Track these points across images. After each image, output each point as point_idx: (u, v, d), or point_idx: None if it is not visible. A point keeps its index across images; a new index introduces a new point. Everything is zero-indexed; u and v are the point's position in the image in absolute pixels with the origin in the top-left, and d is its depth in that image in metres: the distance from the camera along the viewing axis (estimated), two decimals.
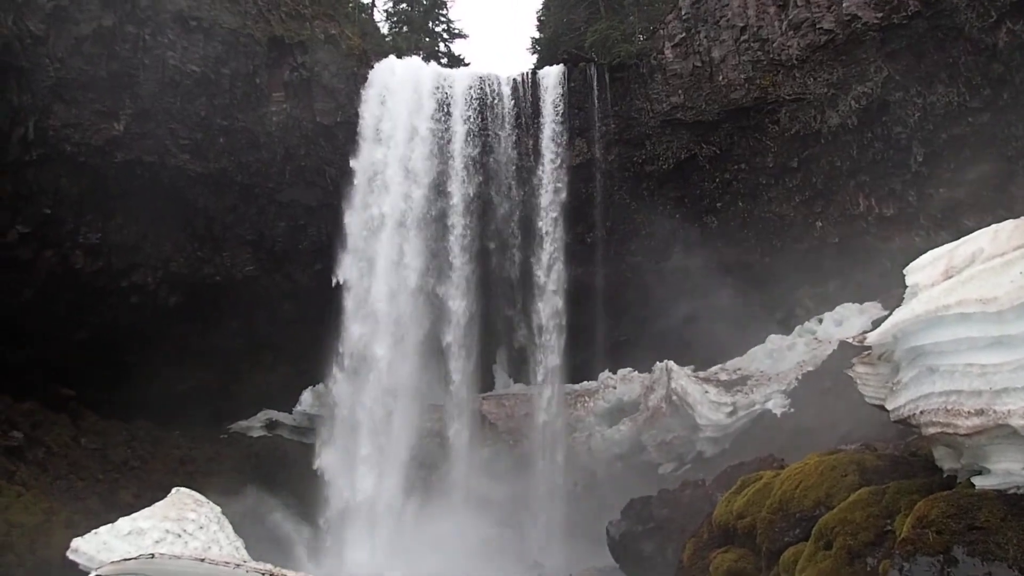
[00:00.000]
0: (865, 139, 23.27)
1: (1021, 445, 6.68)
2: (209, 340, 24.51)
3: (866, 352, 9.14)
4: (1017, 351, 6.75)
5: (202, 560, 5.72)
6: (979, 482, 7.20)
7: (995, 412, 6.70)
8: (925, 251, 8.71)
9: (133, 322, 23.71)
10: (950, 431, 7.06)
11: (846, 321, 23.35)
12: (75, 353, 22.97)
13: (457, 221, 24.54)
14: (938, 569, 6.53)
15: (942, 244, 8.55)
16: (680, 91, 25.25)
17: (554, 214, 25.29)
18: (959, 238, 8.24)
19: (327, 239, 24.69)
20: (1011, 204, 19.29)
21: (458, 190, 24.76)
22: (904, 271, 8.72)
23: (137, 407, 23.64)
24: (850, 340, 19.84)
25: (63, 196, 22.50)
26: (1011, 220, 7.78)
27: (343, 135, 24.51)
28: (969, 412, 6.90)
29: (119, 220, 23.57)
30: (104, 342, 23.20)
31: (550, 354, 24.44)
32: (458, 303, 23.99)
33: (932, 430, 7.32)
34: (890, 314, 8.35)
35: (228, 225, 24.95)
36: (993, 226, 7.88)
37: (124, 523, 9.45)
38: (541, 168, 25.64)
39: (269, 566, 5.84)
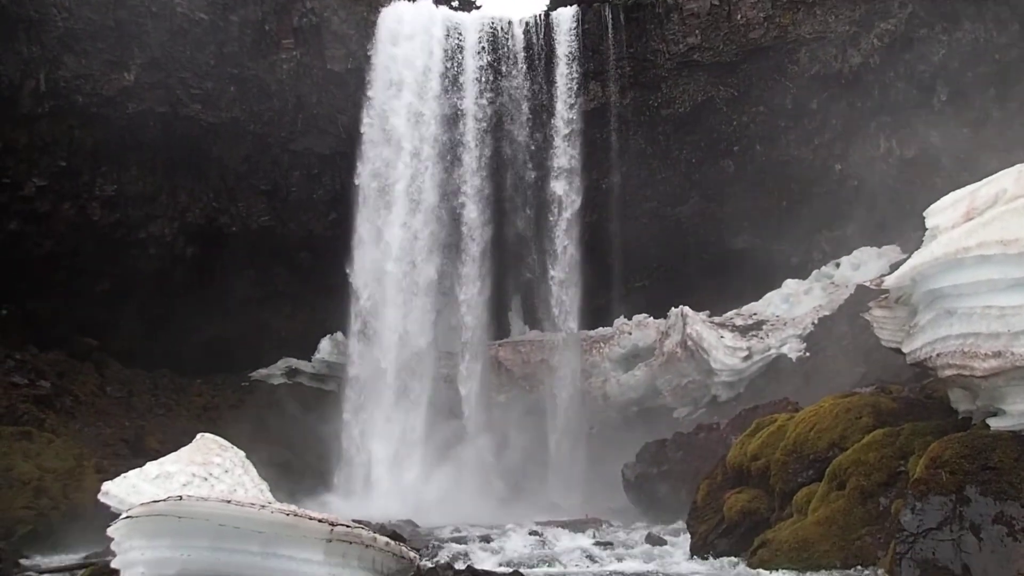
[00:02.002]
0: (887, 78, 22.69)
1: None
2: (228, 290, 24.74)
3: (883, 295, 9.09)
4: None
5: (228, 502, 5.90)
6: (994, 423, 7.23)
7: (1013, 354, 6.69)
8: (946, 193, 8.56)
9: (153, 273, 23.96)
10: (967, 373, 7.06)
11: (864, 265, 23.18)
12: (97, 304, 23.31)
13: (470, 168, 24.36)
14: (950, 508, 6.61)
15: (964, 186, 8.39)
16: (697, 31, 24.63)
17: (568, 159, 25.02)
18: (982, 179, 8.10)
19: (341, 188, 24.65)
20: None
21: (470, 137, 24.51)
22: (924, 213, 8.60)
23: (159, 357, 24.08)
24: (867, 284, 19.76)
25: (78, 148, 22.58)
26: None
27: (354, 82, 24.21)
28: (986, 354, 6.89)
29: (134, 172, 23.67)
30: (125, 293, 23.50)
31: (565, 300, 24.48)
32: (473, 251, 23.98)
33: (948, 372, 7.32)
34: (909, 257, 8.28)
35: (242, 175, 24.96)
36: (1017, 166, 7.73)
37: (152, 467, 9.71)
38: (555, 113, 25.28)
39: (293, 507, 6.01)
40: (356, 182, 23.71)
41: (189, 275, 24.66)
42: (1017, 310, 6.77)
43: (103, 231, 23.48)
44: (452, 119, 24.39)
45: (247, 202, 25.36)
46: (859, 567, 7.21)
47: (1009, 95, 20.69)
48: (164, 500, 5.99)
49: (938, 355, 7.41)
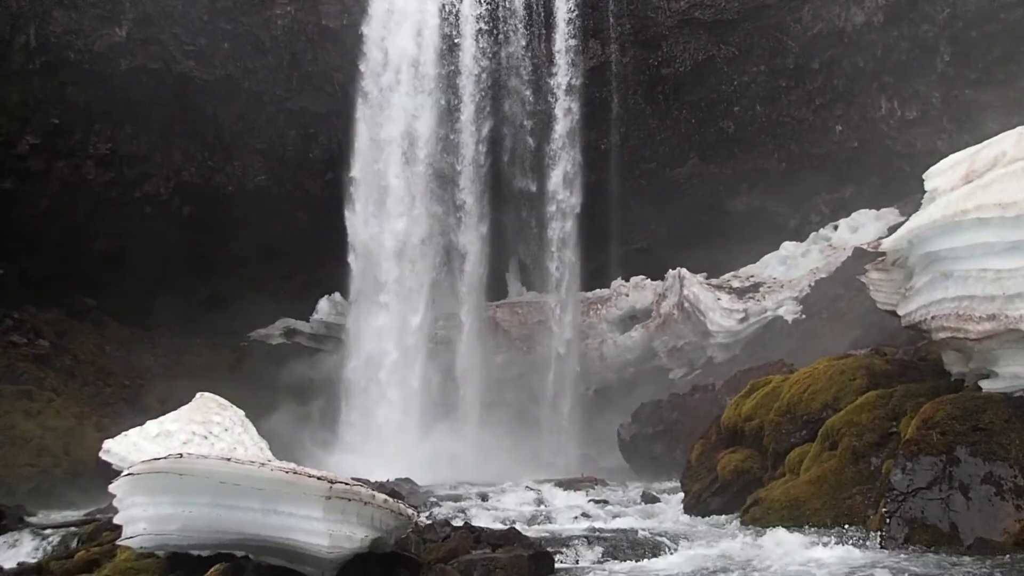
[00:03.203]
0: (891, 38, 22.37)
1: None
2: (225, 250, 24.71)
3: (880, 258, 9.10)
4: None
5: (228, 459, 5.97)
6: (986, 385, 7.30)
7: (1007, 317, 6.72)
8: (947, 155, 8.51)
9: (150, 233, 23.88)
10: (960, 336, 7.11)
11: (862, 228, 23.15)
12: (95, 264, 23.29)
13: (468, 127, 24.13)
14: (940, 468, 6.70)
15: (965, 148, 8.34)
16: None
17: (568, 120, 24.78)
18: (982, 142, 8.04)
19: (337, 148, 24.45)
20: None
21: (468, 96, 24.23)
22: (924, 176, 8.56)
23: (158, 317, 24.14)
24: (865, 246, 19.80)
25: (71, 106, 22.34)
26: None
27: (350, 39, 23.83)
28: (981, 317, 6.92)
29: (128, 130, 23.46)
30: (123, 253, 23.46)
31: (563, 262, 24.48)
32: (470, 209, 23.88)
33: (942, 335, 7.37)
34: (907, 220, 8.27)
35: (238, 134, 24.74)
36: (1018, 128, 7.67)
37: (152, 426, 9.81)
38: (554, 72, 24.95)
39: (293, 465, 6.09)
40: (353, 142, 23.51)
41: (186, 235, 24.58)
42: (1012, 273, 6.78)
43: (98, 190, 23.35)
44: (450, 78, 24.09)
45: (243, 161, 25.18)
46: (849, 525, 7.33)
47: (1013, 56, 20.44)
48: (165, 458, 6.07)
49: (933, 318, 7.44)
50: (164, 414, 10.97)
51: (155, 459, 6.15)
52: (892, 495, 6.71)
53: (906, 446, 7.01)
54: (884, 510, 6.71)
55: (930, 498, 6.55)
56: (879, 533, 6.60)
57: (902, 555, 5.97)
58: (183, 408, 10.40)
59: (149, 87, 22.63)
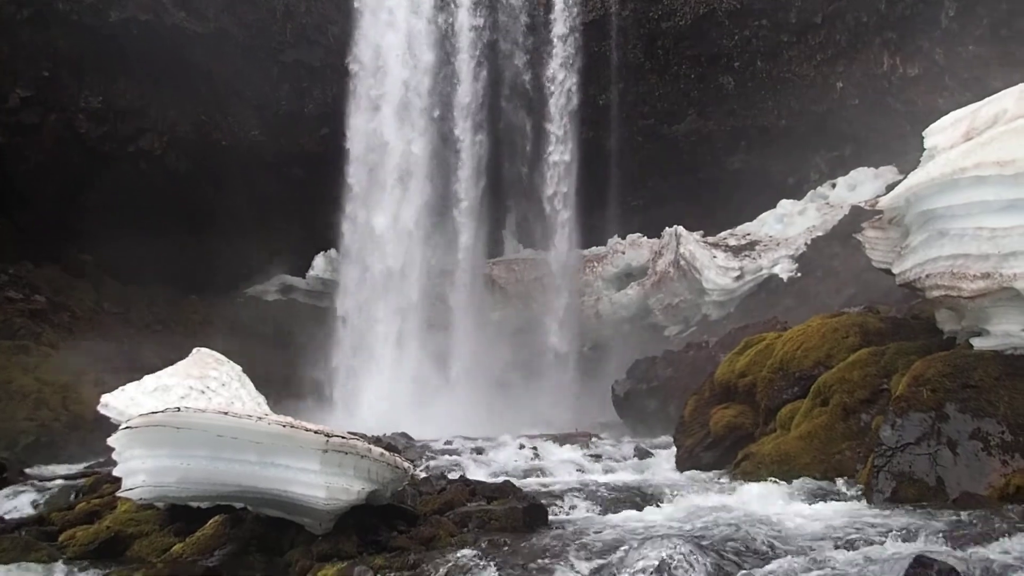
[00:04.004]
0: None
1: (1023, 307, 6.76)
2: (221, 206, 24.54)
3: (877, 216, 9.08)
4: None
5: (226, 413, 6.02)
6: (978, 343, 7.35)
7: (1001, 275, 6.73)
8: (947, 113, 8.43)
9: (145, 188, 23.71)
10: (954, 294, 7.13)
11: (860, 186, 23.05)
12: (91, 220, 23.14)
13: (465, 82, 23.82)
14: (929, 424, 6.79)
15: (966, 106, 8.25)
16: None
17: (566, 74, 24.45)
18: (984, 99, 7.95)
19: (333, 103, 24.16)
20: None
21: (465, 50, 23.87)
22: (923, 133, 8.49)
23: (155, 273, 24.09)
24: (862, 205, 19.74)
25: (62, 59, 22.00)
26: None
27: None
28: (975, 275, 6.93)
29: (121, 84, 23.13)
30: (118, 209, 23.32)
31: (560, 219, 24.42)
32: (468, 166, 23.72)
33: (936, 293, 7.39)
34: (905, 178, 8.22)
35: (232, 88, 24.40)
36: (1020, 86, 7.58)
37: (150, 380, 9.86)
38: (553, 24, 24.54)
39: (289, 419, 6.15)
40: (349, 96, 23.22)
41: (182, 191, 24.42)
42: (1008, 231, 6.77)
43: (91, 144, 23.11)
44: (446, 32, 23.69)
45: (237, 116, 24.90)
46: (838, 480, 7.46)
47: (1019, 12, 20.10)
48: (163, 411, 6.12)
49: (927, 276, 7.45)
50: (162, 369, 11.03)
51: (153, 413, 6.20)
52: (881, 450, 6.81)
53: (896, 402, 7.08)
54: (872, 465, 6.82)
55: (918, 453, 6.65)
56: (867, 487, 6.71)
57: (888, 508, 6.09)
58: (180, 363, 10.44)
59: (140, 40, 22.23)
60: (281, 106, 24.97)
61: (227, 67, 23.91)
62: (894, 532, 5.02)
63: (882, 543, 4.71)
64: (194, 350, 10.93)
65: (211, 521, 6.64)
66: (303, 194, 25.15)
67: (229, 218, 24.43)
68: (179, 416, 5.92)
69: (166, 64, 22.94)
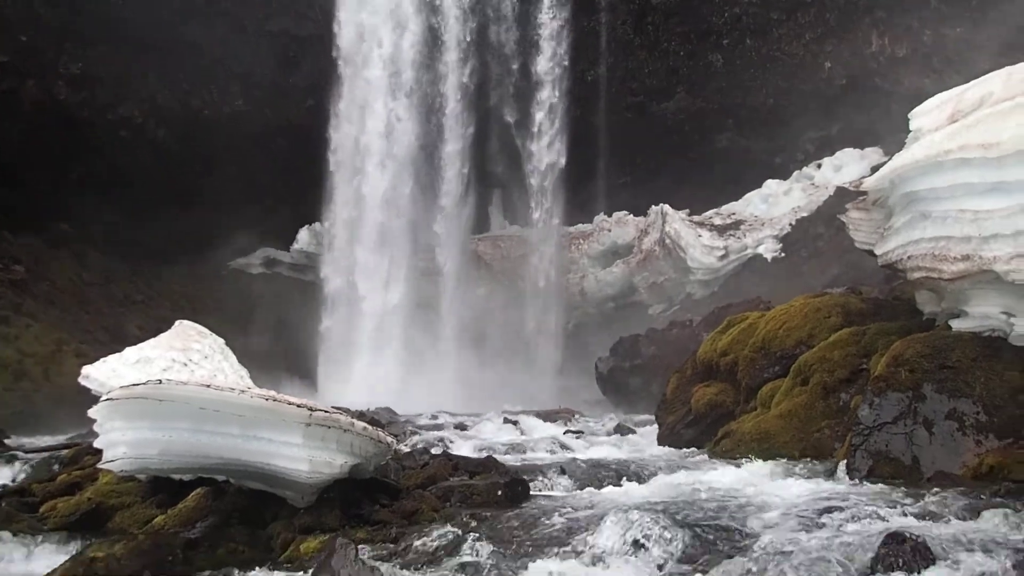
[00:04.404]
0: None
1: (1002, 289, 6.82)
2: (204, 178, 24.31)
3: (861, 197, 9.10)
4: (1012, 197, 6.71)
5: (208, 386, 5.99)
6: (956, 324, 7.42)
7: (981, 257, 6.78)
8: (934, 95, 8.44)
9: (127, 159, 23.41)
10: (935, 275, 7.18)
11: (845, 167, 23.16)
12: (72, 190, 22.86)
13: (452, 56, 23.57)
14: (906, 404, 6.87)
15: (953, 87, 8.26)
16: None
17: (555, 48, 24.25)
18: (971, 81, 7.96)
19: (319, 74, 23.84)
20: None
21: (453, 23, 23.59)
22: (909, 115, 8.49)
23: (137, 245, 23.86)
24: (847, 185, 19.84)
25: (41, 25, 21.56)
26: None
27: None
28: (956, 257, 6.98)
29: (101, 50, 22.70)
30: (100, 179, 23.03)
31: (547, 196, 24.36)
32: (454, 141, 23.56)
33: (917, 275, 7.44)
34: (890, 160, 8.24)
35: (215, 57, 24.02)
36: (1007, 68, 7.57)
37: (132, 352, 9.77)
38: None
39: (272, 392, 6.13)
40: (336, 67, 22.94)
41: (164, 161, 24.12)
42: (990, 214, 6.81)
43: (71, 111, 22.73)
44: (432, 5, 23.40)
45: (221, 86, 24.54)
46: (816, 458, 7.56)
47: None
48: (144, 383, 6.08)
49: (909, 257, 7.50)
50: (144, 341, 10.95)
51: (134, 385, 6.16)
52: (859, 429, 6.90)
53: (875, 382, 7.16)
54: (850, 444, 6.91)
55: (895, 432, 6.74)
56: (844, 465, 6.81)
57: (863, 486, 6.19)
58: (163, 335, 10.35)
59: (121, 5, 21.81)
60: (266, 76, 24.64)
61: (210, 34, 23.53)
62: (870, 509, 5.10)
63: (858, 520, 4.79)
64: (177, 322, 10.84)
65: (193, 493, 6.64)
66: (288, 166, 24.93)
67: (212, 190, 24.19)
68: (161, 388, 5.88)
69: (147, 31, 22.54)
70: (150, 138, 24.06)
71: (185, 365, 9.37)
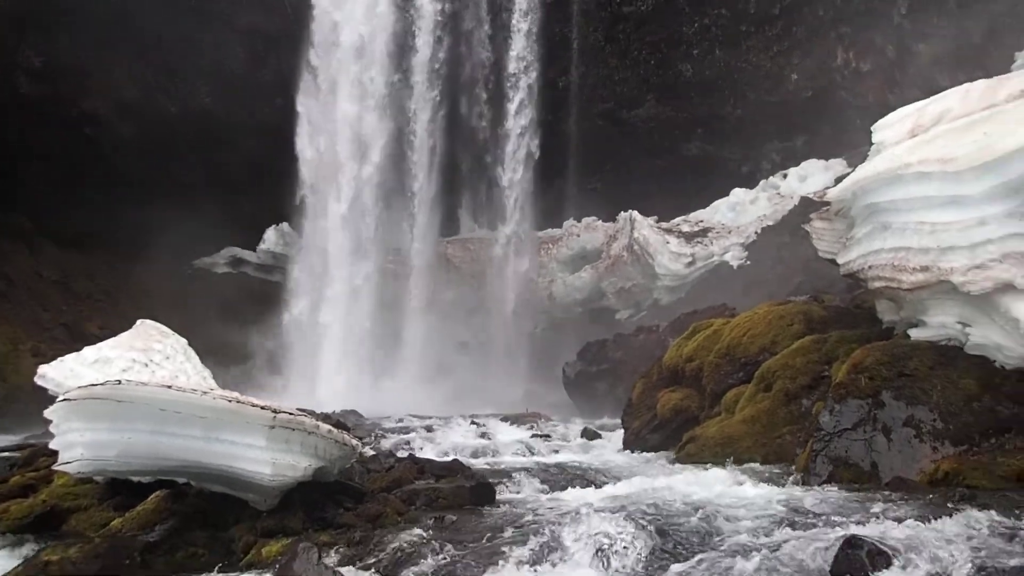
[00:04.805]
0: None
1: (958, 300, 7.00)
2: (170, 174, 23.95)
3: (825, 208, 9.28)
4: (969, 211, 6.90)
5: (169, 387, 5.90)
6: (915, 333, 7.59)
7: (939, 268, 6.95)
8: (896, 108, 8.65)
9: (90, 153, 22.94)
10: (894, 285, 7.34)
11: (810, 177, 23.55)
12: (32, 184, 22.33)
13: (423, 58, 23.53)
14: (866, 411, 7.01)
15: (914, 102, 8.47)
16: None
17: (527, 55, 24.34)
18: (931, 96, 8.17)
19: (289, 72, 23.62)
20: (988, 64, 19.04)
21: (425, 27, 23.55)
22: (872, 128, 8.69)
23: (98, 240, 23.39)
24: (811, 196, 20.19)
25: (2, 15, 21.05)
26: (984, 80, 7.70)
27: None
28: (915, 268, 7.15)
29: (65, 42, 22.23)
30: (61, 173, 22.53)
31: (517, 200, 24.41)
32: (424, 143, 23.50)
33: (878, 284, 7.61)
34: (853, 171, 8.42)
35: (182, 52, 23.68)
36: (965, 85, 7.80)
37: (90, 352, 9.56)
38: (514, 5, 24.36)
39: (236, 394, 6.05)
40: (307, 65, 22.75)
41: (128, 157, 23.70)
42: (948, 226, 6.99)
43: (32, 104, 22.22)
44: (404, 8, 23.34)
45: (188, 81, 24.20)
46: (778, 463, 7.67)
47: (969, 11, 20.68)
48: (103, 384, 5.96)
49: (870, 267, 7.66)
50: (103, 340, 10.72)
51: (92, 385, 6.04)
52: (819, 435, 7.02)
53: (835, 389, 7.30)
54: (811, 449, 7.02)
55: (854, 438, 6.87)
56: (805, 471, 6.92)
57: (824, 491, 6.29)
58: (123, 335, 10.15)
59: None
60: (234, 73, 24.34)
61: (177, 29, 23.19)
62: (828, 514, 5.19)
63: (817, 525, 4.87)
64: (138, 322, 10.64)
65: (152, 496, 6.52)
66: (255, 165, 24.65)
67: (177, 187, 23.82)
68: (120, 389, 5.77)
69: (112, 24, 22.14)
70: (115, 133, 23.61)
71: (146, 366, 9.20)
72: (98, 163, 23.00)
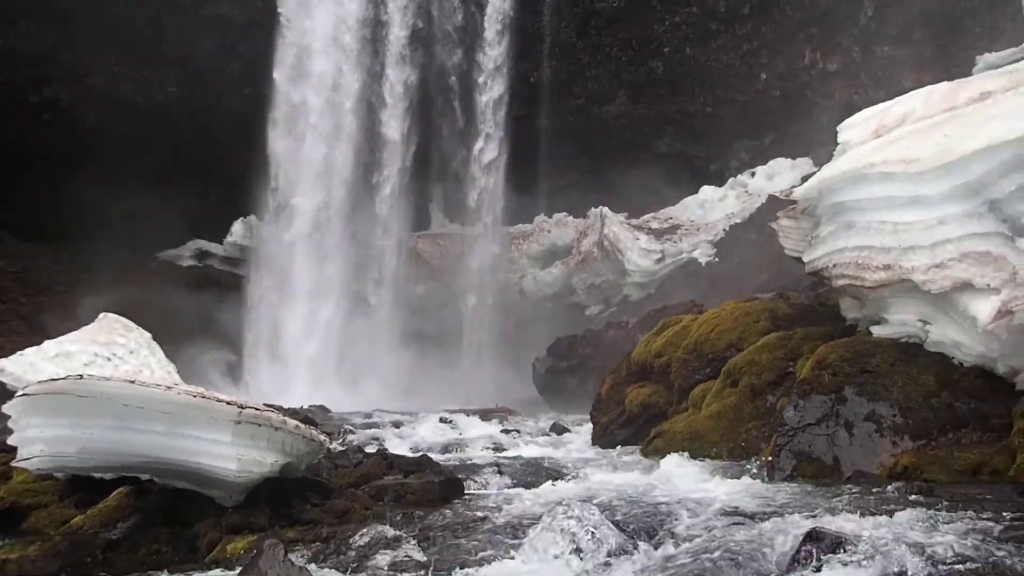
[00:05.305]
0: None
1: (919, 298, 7.15)
2: (136, 164, 23.45)
3: (791, 206, 9.41)
4: (930, 211, 7.04)
5: (132, 382, 5.80)
6: (877, 331, 7.75)
7: (901, 267, 7.09)
8: (862, 109, 8.80)
9: (51, 142, 22.42)
10: (858, 283, 7.48)
11: (777, 176, 23.88)
12: None
13: (394, 52, 23.37)
14: (829, 406, 7.14)
15: (879, 103, 8.63)
16: None
17: (499, 49, 24.30)
18: (895, 98, 8.33)
19: (258, 61, 23.30)
20: (951, 66, 19.44)
21: (395, 19, 23.39)
22: (838, 128, 8.84)
23: (59, 231, 22.89)
24: (778, 194, 20.48)
25: None
26: (946, 82, 7.86)
27: None
28: (877, 267, 7.29)
29: (26, 26, 21.68)
30: (22, 162, 21.98)
31: (488, 195, 24.39)
32: (395, 138, 23.36)
33: (841, 282, 7.74)
34: (819, 170, 8.55)
35: (149, 39, 23.23)
36: (928, 87, 7.96)
37: (50, 345, 9.38)
38: None
39: (201, 389, 5.97)
40: (275, 56, 22.47)
41: (92, 145, 23.19)
42: (910, 226, 7.13)
43: None
44: (377, 2, 23.17)
45: (154, 69, 23.75)
46: (743, 457, 7.78)
47: (930, 15, 21.10)
48: (64, 378, 5.84)
49: (834, 265, 7.79)
50: (65, 334, 10.51)
51: (53, 379, 5.92)
52: (784, 430, 7.14)
53: (800, 385, 7.43)
54: (775, 444, 7.14)
55: (817, 433, 7.00)
56: (769, 465, 7.03)
57: (788, 485, 6.40)
58: (85, 328, 9.97)
59: None
60: (203, 62, 23.94)
61: (144, 16, 22.75)
62: (791, 507, 5.29)
63: (780, 517, 4.96)
64: (101, 315, 10.46)
65: (115, 493, 6.41)
66: (222, 156, 24.27)
67: (142, 178, 23.35)
68: (82, 384, 5.67)
69: (76, 8, 21.63)
70: (78, 121, 23.09)
71: (109, 360, 9.05)
72: (60, 152, 22.49)
